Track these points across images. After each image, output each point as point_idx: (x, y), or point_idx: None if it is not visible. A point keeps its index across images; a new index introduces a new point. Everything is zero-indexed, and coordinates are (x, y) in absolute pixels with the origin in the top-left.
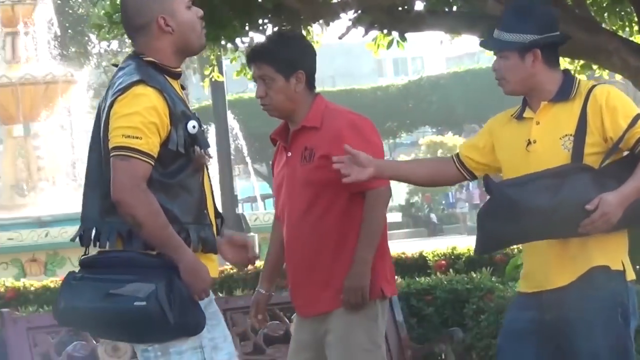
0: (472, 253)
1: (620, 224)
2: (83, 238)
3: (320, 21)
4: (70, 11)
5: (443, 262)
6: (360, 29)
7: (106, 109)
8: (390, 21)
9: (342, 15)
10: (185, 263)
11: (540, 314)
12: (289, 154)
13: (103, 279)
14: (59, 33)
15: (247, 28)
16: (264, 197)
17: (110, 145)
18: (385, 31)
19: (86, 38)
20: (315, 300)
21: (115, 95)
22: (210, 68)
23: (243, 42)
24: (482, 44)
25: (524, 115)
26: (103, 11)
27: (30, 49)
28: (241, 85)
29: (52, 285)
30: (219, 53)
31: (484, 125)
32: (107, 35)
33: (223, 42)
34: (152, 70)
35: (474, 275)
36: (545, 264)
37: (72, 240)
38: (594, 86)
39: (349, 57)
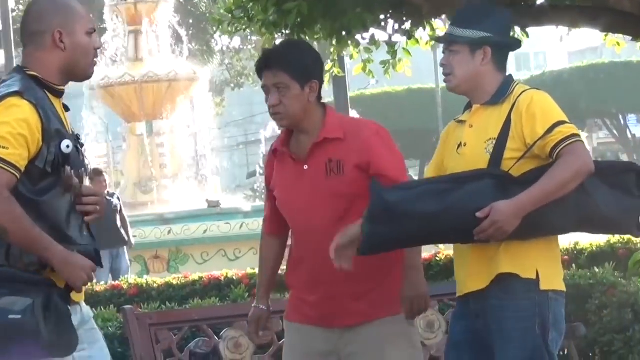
0: (594, 248)
1: (526, 234)
2: None
3: (443, 17)
4: (193, 9)
5: (565, 257)
6: None
7: None
8: (513, 16)
9: None
10: (58, 259)
11: (472, 323)
12: (306, 166)
13: None
14: (181, 31)
15: (367, 24)
16: None
17: None
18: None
19: (208, 35)
20: (345, 312)
21: None
22: (331, 63)
23: (364, 38)
24: (435, 39)
25: (461, 118)
26: (224, 7)
27: (153, 47)
28: (363, 82)
29: (174, 282)
30: (339, 49)
31: (439, 143)
32: (228, 29)
33: (346, 39)
34: (33, 84)
35: (597, 271)
36: (466, 266)
37: None
38: (523, 91)
39: None
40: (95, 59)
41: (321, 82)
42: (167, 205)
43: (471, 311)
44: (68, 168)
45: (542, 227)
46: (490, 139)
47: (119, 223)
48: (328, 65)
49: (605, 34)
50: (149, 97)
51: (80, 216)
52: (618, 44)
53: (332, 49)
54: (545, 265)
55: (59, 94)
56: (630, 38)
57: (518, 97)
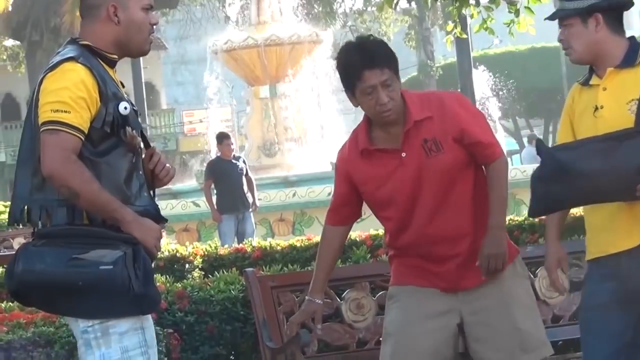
0: None
1: None
2: (15, 216)
3: None
4: None
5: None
6: None
7: (37, 87)
8: None
9: None
10: (129, 220)
11: (620, 284)
12: (404, 154)
13: (66, 245)
14: None
15: None
16: (511, 153)
17: (40, 121)
18: None
19: None
20: (462, 277)
21: (45, 72)
22: (452, 25)
23: None
24: (547, 18)
25: (591, 82)
26: None
27: (275, 10)
28: (486, 42)
29: (298, 244)
30: (460, 10)
31: (564, 108)
32: None
33: None
34: (86, 52)
35: None
36: (614, 226)
37: (8, 222)
38: None
39: None
40: (151, 35)
41: None
42: (291, 168)
43: (617, 271)
44: (129, 128)
45: None
46: (632, 100)
47: (245, 187)
48: (449, 27)
49: None
50: (272, 60)
51: (141, 177)
52: None
53: (453, 10)
54: None
55: (112, 63)
56: None
57: None
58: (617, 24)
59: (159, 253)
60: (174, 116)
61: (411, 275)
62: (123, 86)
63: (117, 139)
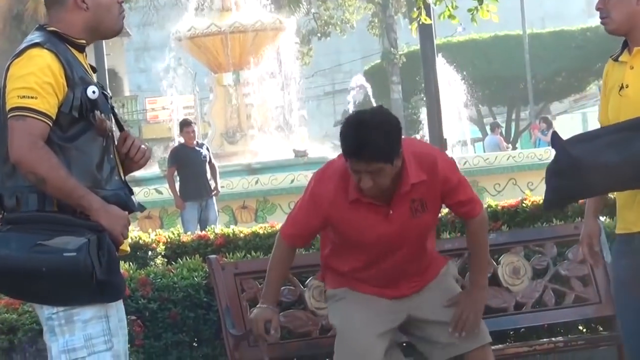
0: None
1: None
2: None
3: None
4: None
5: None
6: None
7: (5, 74)
8: None
9: None
10: (96, 207)
11: (635, 260)
12: (391, 212)
13: (31, 231)
14: None
15: None
16: (474, 141)
17: (7, 108)
18: None
19: None
20: (411, 288)
21: (12, 59)
22: (417, 11)
23: None
24: None
25: (621, 58)
26: None
27: None
28: (450, 29)
29: (261, 231)
30: None
31: (602, 84)
32: None
33: None
34: (53, 38)
35: None
36: (636, 207)
37: None
38: None
39: None
40: (122, 13)
41: (401, 149)
42: (254, 156)
43: (636, 248)
44: (98, 112)
45: None
46: None
47: (208, 174)
48: (414, 13)
49: None
50: (235, 47)
51: (113, 160)
52: None
53: None
54: None
55: (81, 48)
56: None
57: None
58: None
59: (126, 240)
60: (136, 103)
61: (357, 286)
62: (95, 71)
63: (86, 123)
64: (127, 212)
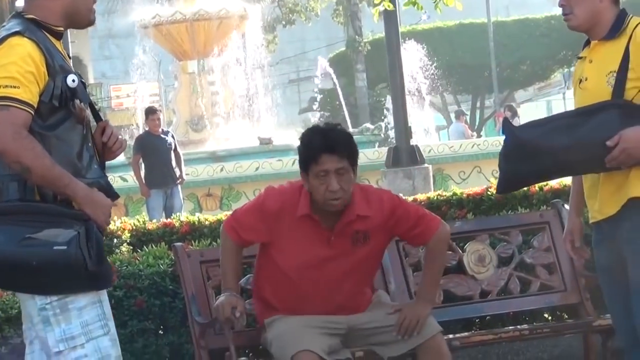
0: None
1: None
2: None
3: None
4: None
5: None
6: None
7: None
8: None
9: None
10: (81, 195)
11: (610, 246)
12: (332, 237)
13: (18, 223)
14: None
15: None
16: (438, 129)
17: None
18: None
19: None
20: (353, 310)
21: None
22: None
23: None
24: None
25: (581, 54)
26: None
27: None
28: (414, 17)
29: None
30: None
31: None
32: None
33: None
34: (32, 26)
35: None
36: (598, 195)
37: None
38: (638, 24)
39: None
40: (94, 5)
41: None
42: (219, 143)
43: (606, 236)
44: (77, 101)
45: None
46: (610, 72)
47: (173, 162)
48: (377, 0)
49: None
50: (200, 35)
51: (91, 148)
52: None
53: None
54: None
55: (58, 35)
56: None
57: (634, 29)
58: None
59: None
60: (101, 90)
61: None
62: (70, 58)
63: (65, 112)
64: (110, 200)
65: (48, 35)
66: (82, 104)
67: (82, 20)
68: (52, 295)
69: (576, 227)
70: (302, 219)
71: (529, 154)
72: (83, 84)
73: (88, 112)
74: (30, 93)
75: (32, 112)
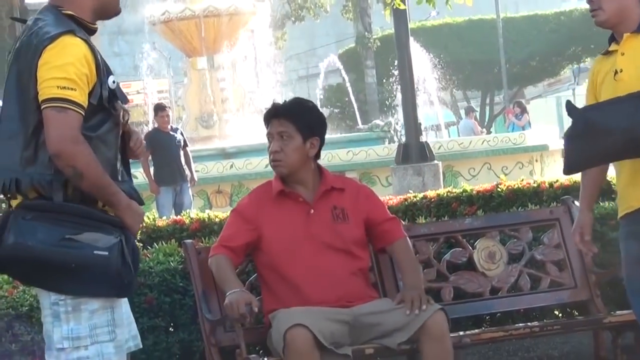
0: None
1: None
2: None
3: None
4: None
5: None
6: None
7: (30, 58)
8: None
9: None
10: (123, 205)
11: None
12: (312, 211)
13: (58, 223)
14: None
15: None
16: (448, 125)
17: (43, 96)
18: None
19: None
20: (356, 300)
21: (44, 44)
22: None
23: None
24: None
25: (610, 49)
26: None
27: None
28: (424, 13)
29: None
30: None
31: (588, 84)
32: None
33: None
34: (73, 24)
35: None
36: (638, 181)
37: None
38: None
39: None
40: None
41: (322, 141)
42: (229, 140)
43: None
44: (119, 102)
45: None
46: None
47: (182, 159)
48: None
49: None
50: (209, 31)
51: (120, 151)
52: None
53: None
54: None
55: (92, 33)
56: None
57: None
58: None
59: None
60: None
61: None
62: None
63: (105, 113)
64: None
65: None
66: (122, 104)
67: (111, 12)
68: (70, 294)
69: (587, 221)
70: (280, 197)
71: (596, 134)
72: (119, 85)
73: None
74: (84, 95)
75: (83, 115)
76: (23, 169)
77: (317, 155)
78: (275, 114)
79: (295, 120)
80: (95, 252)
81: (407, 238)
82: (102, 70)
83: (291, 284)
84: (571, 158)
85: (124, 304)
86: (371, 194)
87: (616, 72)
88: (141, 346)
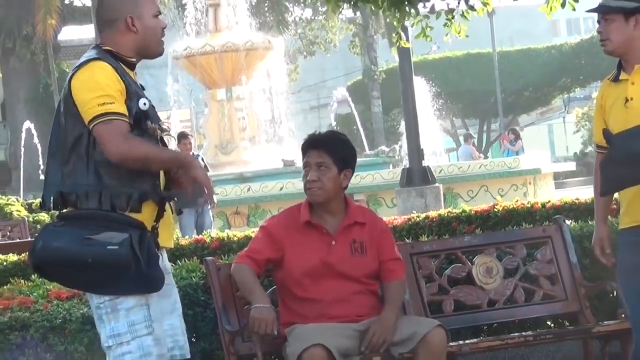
0: None
1: None
2: (47, 202)
3: None
4: None
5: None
6: None
7: (65, 86)
8: None
9: None
10: (194, 165)
11: None
12: (333, 242)
13: (83, 227)
14: (257, 4)
15: None
16: (448, 151)
17: (89, 117)
18: None
19: (283, 7)
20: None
21: (73, 71)
22: (396, 36)
23: (424, 7)
24: (590, 10)
25: (620, 78)
26: None
27: (231, 19)
28: (425, 48)
29: (253, 235)
30: (402, 21)
31: (596, 106)
32: None
33: (407, 9)
34: (108, 56)
35: None
36: None
37: (41, 207)
38: None
39: (525, 19)
40: (162, 38)
41: (353, 172)
42: (246, 165)
43: None
44: (149, 122)
45: None
46: None
47: None
48: (394, 38)
49: None
50: (228, 65)
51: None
52: None
53: (395, 22)
54: None
55: (132, 66)
56: None
57: None
58: None
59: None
60: None
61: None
62: (143, 89)
63: (138, 132)
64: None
65: (122, 65)
66: (153, 124)
67: (153, 52)
68: (104, 294)
69: (604, 235)
70: (305, 226)
71: (634, 160)
72: (153, 108)
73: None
74: (123, 107)
75: (130, 122)
76: (63, 182)
77: (346, 187)
78: (314, 145)
79: (333, 152)
80: (108, 247)
81: (405, 282)
82: (131, 92)
83: (306, 301)
84: (609, 181)
85: (171, 296)
86: (386, 229)
87: (627, 100)
88: (188, 356)
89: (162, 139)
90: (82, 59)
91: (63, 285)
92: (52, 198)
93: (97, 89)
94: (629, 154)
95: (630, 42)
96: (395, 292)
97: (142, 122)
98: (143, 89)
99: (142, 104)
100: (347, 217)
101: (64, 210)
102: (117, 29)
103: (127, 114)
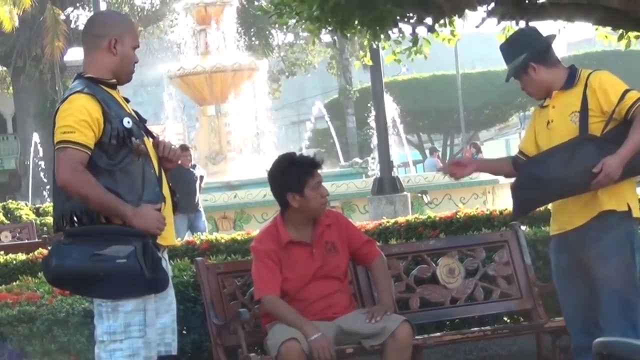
0: None
1: (621, 177)
2: (58, 224)
3: (462, 12)
4: (253, 10)
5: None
6: (494, 19)
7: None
8: (518, 12)
9: (479, 7)
10: (130, 216)
11: (573, 253)
12: (314, 250)
13: (88, 242)
14: (244, 29)
15: (396, 19)
16: (415, 163)
17: (54, 144)
18: (513, 22)
19: (267, 32)
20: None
21: (58, 105)
22: (363, 54)
23: (393, 32)
24: (506, 79)
25: (544, 104)
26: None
27: (219, 42)
28: (395, 69)
29: (239, 238)
30: (372, 42)
31: (529, 124)
32: (279, 20)
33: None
34: (90, 84)
35: None
36: (568, 209)
37: (54, 230)
38: (590, 74)
39: (486, 44)
40: (133, 71)
41: None
42: (233, 174)
43: (571, 244)
44: (133, 138)
45: (634, 170)
46: (572, 112)
47: (198, 192)
48: (361, 55)
49: (597, 27)
50: (217, 84)
51: (152, 176)
52: (606, 37)
53: (364, 42)
54: (632, 199)
55: (113, 86)
56: (617, 31)
57: (587, 78)
58: (549, 59)
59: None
60: None
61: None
62: (128, 101)
63: (127, 149)
64: (159, 207)
65: (104, 88)
66: (137, 140)
67: (124, 78)
68: (109, 299)
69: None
70: (288, 245)
71: (538, 183)
72: (142, 120)
73: (147, 145)
74: (84, 136)
75: (88, 152)
76: (63, 205)
77: None
78: (319, 165)
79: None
80: (117, 261)
81: (382, 255)
82: (111, 114)
83: (291, 301)
84: (519, 206)
85: (168, 296)
86: (349, 223)
87: (548, 122)
88: (174, 353)
89: (152, 135)
90: (66, 93)
91: (77, 294)
92: (56, 220)
93: (63, 120)
94: (533, 178)
95: (543, 84)
96: (380, 271)
97: (126, 139)
98: (128, 101)
99: (126, 122)
100: (317, 224)
101: (69, 228)
102: (100, 47)
103: (88, 143)
